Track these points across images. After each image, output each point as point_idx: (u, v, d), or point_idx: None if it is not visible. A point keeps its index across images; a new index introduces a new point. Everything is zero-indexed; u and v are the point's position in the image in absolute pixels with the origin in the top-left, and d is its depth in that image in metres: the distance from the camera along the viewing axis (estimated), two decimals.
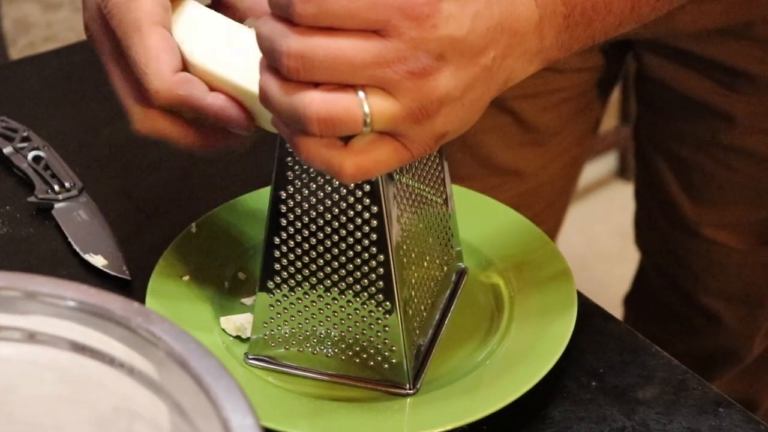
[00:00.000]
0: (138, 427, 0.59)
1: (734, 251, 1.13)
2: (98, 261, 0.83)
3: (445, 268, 0.78)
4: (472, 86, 0.63)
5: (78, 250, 0.84)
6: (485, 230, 0.82)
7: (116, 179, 0.92)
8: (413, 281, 0.73)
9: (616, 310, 1.02)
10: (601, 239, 2.15)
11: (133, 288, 0.82)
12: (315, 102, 0.61)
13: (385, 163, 0.64)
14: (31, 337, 0.58)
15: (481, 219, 0.82)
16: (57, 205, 0.88)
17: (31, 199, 0.88)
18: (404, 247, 0.71)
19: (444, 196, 0.77)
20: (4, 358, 0.59)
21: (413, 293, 0.73)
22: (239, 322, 0.77)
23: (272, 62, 0.62)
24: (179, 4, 0.72)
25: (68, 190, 0.89)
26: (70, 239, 0.85)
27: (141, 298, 0.77)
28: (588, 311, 0.79)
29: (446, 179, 0.77)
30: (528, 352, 0.74)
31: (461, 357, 0.76)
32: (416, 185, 0.73)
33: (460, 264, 0.80)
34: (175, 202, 0.90)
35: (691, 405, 0.73)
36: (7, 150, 0.92)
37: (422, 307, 0.75)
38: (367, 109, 0.61)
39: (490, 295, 0.79)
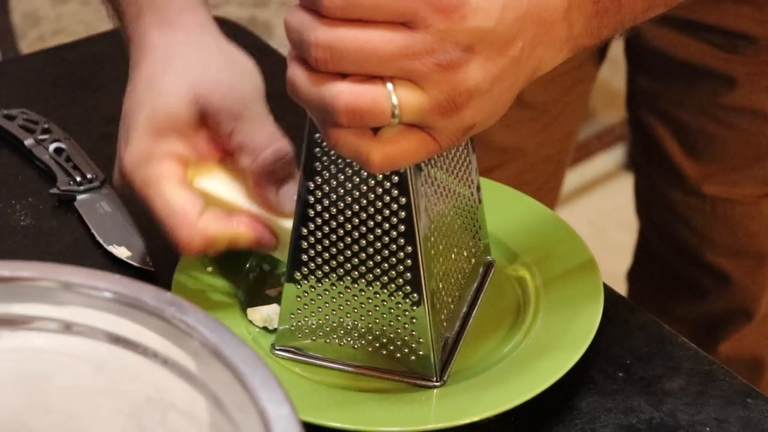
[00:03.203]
0: (172, 417, 0.59)
1: (738, 205, 1.14)
2: (122, 252, 0.83)
3: (473, 261, 0.78)
4: (501, 78, 0.63)
5: (101, 241, 0.84)
6: (510, 222, 0.82)
7: None
8: (440, 273, 0.73)
9: None
10: (610, 232, 2.15)
11: (156, 279, 0.82)
12: (343, 93, 0.61)
13: (413, 154, 0.64)
14: (67, 327, 0.58)
15: (505, 211, 0.82)
16: (79, 197, 0.88)
17: (54, 190, 0.88)
18: (432, 239, 0.71)
19: (472, 188, 0.77)
20: (40, 349, 0.59)
21: (441, 285, 0.73)
22: (266, 313, 0.77)
23: (300, 53, 0.62)
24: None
25: (90, 182, 0.89)
26: (93, 230, 0.85)
27: (165, 287, 0.76)
28: (612, 302, 0.79)
29: (474, 170, 0.77)
30: (554, 343, 0.74)
31: (487, 349, 0.75)
32: (444, 176, 0.73)
33: (488, 257, 0.80)
34: None
35: (719, 396, 0.73)
36: (29, 142, 0.92)
37: (449, 299, 0.74)
38: (395, 101, 0.61)
39: (517, 287, 0.79)
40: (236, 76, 0.76)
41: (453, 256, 0.75)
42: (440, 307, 0.73)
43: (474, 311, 0.77)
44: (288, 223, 0.73)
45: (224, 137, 0.75)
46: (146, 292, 0.58)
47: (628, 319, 0.78)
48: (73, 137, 0.93)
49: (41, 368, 0.59)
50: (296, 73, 0.63)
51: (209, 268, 0.79)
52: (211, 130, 0.75)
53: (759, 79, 1.04)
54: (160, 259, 0.83)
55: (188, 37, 0.78)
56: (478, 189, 0.78)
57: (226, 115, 0.74)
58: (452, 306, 0.75)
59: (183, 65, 0.75)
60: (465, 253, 0.77)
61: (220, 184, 0.75)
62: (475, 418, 0.69)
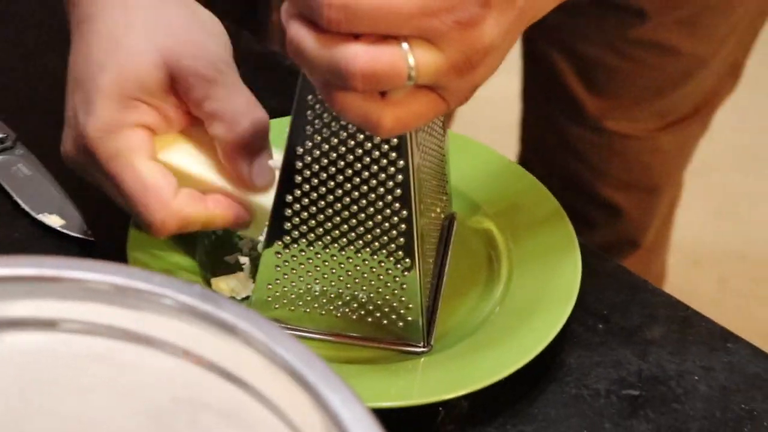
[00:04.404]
0: (204, 417, 0.54)
1: (634, 139, 1.15)
2: (54, 221, 0.76)
3: (442, 216, 0.75)
4: (510, 31, 0.61)
5: (28, 209, 0.77)
6: (469, 172, 0.79)
7: (53, 125, 0.84)
8: (424, 235, 0.70)
9: None
10: None
11: (99, 251, 0.75)
12: (359, 56, 0.57)
13: (423, 116, 0.61)
14: (54, 325, 0.52)
15: (462, 159, 0.79)
16: None
17: None
18: (420, 200, 0.68)
19: (441, 139, 0.73)
20: (45, 350, 0.53)
21: (426, 247, 0.70)
22: (233, 283, 0.72)
23: (309, 14, 0.58)
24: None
25: (1, 142, 0.81)
26: (16, 198, 0.77)
27: (111, 260, 0.71)
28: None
29: (442, 120, 0.73)
30: (539, 300, 0.72)
31: (467, 309, 0.73)
32: (422, 131, 0.70)
33: (452, 210, 0.78)
34: None
35: (701, 342, 0.73)
36: None
37: (430, 260, 0.72)
38: (412, 62, 0.58)
39: (482, 240, 0.77)
40: (205, 36, 0.70)
41: (432, 215, 0.72)
42: (425, 270, 0.70)
43: (446, 269, 0.75)
44: (261, 199, 0.69)
45: (194, 104, 0.69)
46: (170, 285, 0.53)
47: (596, 268, 0.77)
48: None
49: (49, 371, 0.54)
50: (301, 34, 0.58)
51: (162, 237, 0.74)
52: (179, 95, 0.69)
53: (668, 12, 1.04)
54: (99, 228, 0.76)
55: None
56: (446, 137, 0.74)
57: (197, 79, 0.68)
58: (432, 266, 0.72)
59: (146, 22, 0.69)
60: (438, 210, 0.74)
61: (187, 157, 0.70)
62: (474, 388, 0.67)
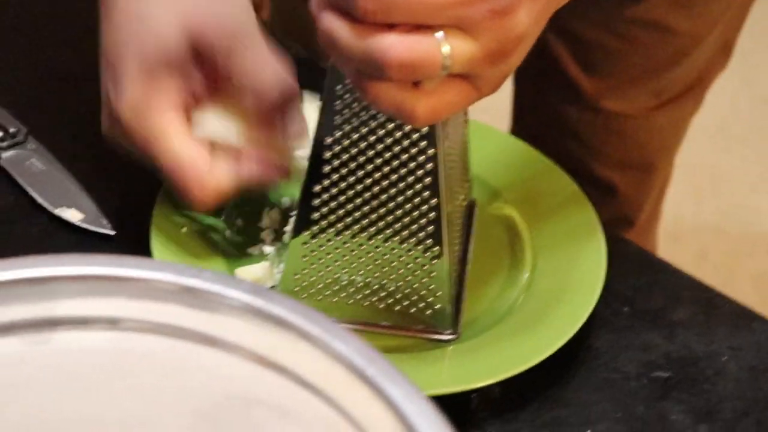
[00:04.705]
0: (257, 413, 0.54)
1: (631, 118, 1.15)
2: (73, 216, 0.75)
3: (465, 203, 0.75)
4: (540, 20, 0.61)
5: (45, 204, 0.76)
6: (486, 158, 0.79)
7: (63, 118, 0.83)
8: (451, 222, 0.70)
9: None
10: None
11: (118, 244, 0.75)
12: (394, 46, 0.57)
13: (455, 105, 0.61)
14: (115, 323, 0.52)
15: (480, 146, 0.79)
16: (4, 155, 0.79)
17: None
18: (448, 187, 0.68)
19: (464, 127, 0.73)
20: (91, 349, 0.52)
21: (452, 235, 0.70)
22: (258, 273, 0.72)
23: (343, 5, 0.57)
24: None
25: (13, 137, 0.80)
26: (32, 193, 0.76)
27: (131, 253, 0.70)
28: None
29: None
30: (565, 286, 0.72)
31: (492, 295, 0.73)
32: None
33: (472, 196, 0.77)
34: None
35: (726, 323, 0.73)
36: None
37: (456, 248, 0.71)
38: (447, 51, 0.57)
39: (503, 227, 0.77)
40: (228, 7, 0.69)
41: (457, 202, 0.72)
42: (453, 256, 0.70)
43: (469, 255, 0.75)
44: (299, 153, 0.70)
45: (221, 75, 0.68)
46: (221, 281, 0.52)
47: (615, 250, 0.77)
48: None
49: (95, 370, 0.53)
50: (335, 26, 0.58)
51: (184, 229, 0.73)
52: (204, 66, 0.69)
53: None
54: (117, 221, 0.76)
55: None
56: (467, 123, 0.74)
57: (222, 50, 0.68)
58: (458, 253, 0.72)
59: None
60: (461, 197, 0.73)
61: (218, 124, 0.69)
62: (506, 375, 0.67)
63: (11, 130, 0.80)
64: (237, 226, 0.75)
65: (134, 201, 0.77)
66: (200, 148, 0.68)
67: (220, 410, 0.54)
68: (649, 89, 1.13)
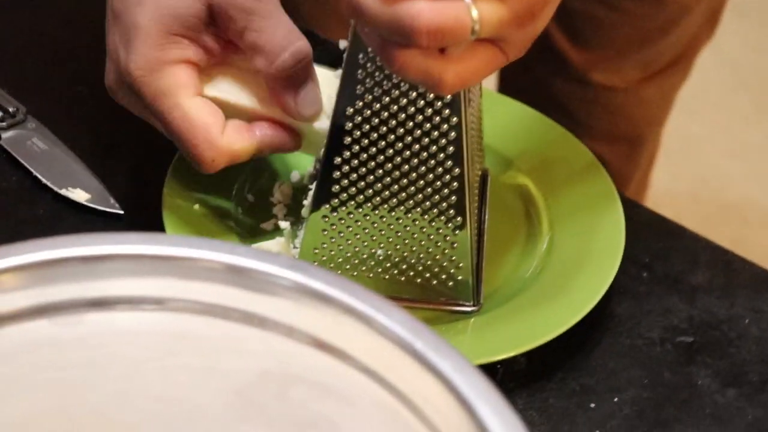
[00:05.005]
0: (295, 390, 0.53)
1: (619, 91, 1.14)
2: (80, 196, 0.73)
3: (480, 172, 0.74)
4: None
5: (51, 185, 0.74)
6: (498, 127, 0.78)
7: (63, 97, 0.81)
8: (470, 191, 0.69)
9: None
10: None
11: (128, 223, 0.73)
12: (424, 12, 0.56)
13: (483, 70, 0.60)
14: (162, 303, 0.51)
15: (490, 115, 0.78)
16: (4, 135, 0.77)
17: None
18: (470, 156, 0.67)
19: (478, 93, 0.72)
20: (138, 330, 0.51)
21: (473, 205, 0.69)
22: (274, 249, 0.70)
23: None
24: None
25: (13, 116, 0.78)
26: (36, 173, 0.74)
27: (143, 231, 0.68)
28: None
29: None
30: (584, 254, 0.71)
31: (510, 266, 0.72)
32: None
33: (485, 166, 0.76)
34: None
35: (746, 285, 0.73)
36: None
37: (475, 218, 0.70)
38: (475, 15, 0.56)
39: (518, 196, 0.76)
40: None
41: (475, 171, 0.70)
42: (474, 227, 0.69)
43: (484, 226, 0.74)
44: (310, 125, 0.68)
45: (234, 36, 0.67)
46: (257, 257, 0.51)
47: (630, 215, 0.76)
48: None
49: (133, 350, 0.52)
50: None
51: (196, 206, 0.72)
52: (218, 27, 0.67)
53: None
54: (125, 200, 0.74)
55: None
56: (480, 89, 0.73)
57: (236, 10, 0.66)
58: (476, 225, 0.71)
59: None
60: (477, 167, 0.72)
61: (232, 88, 0.68)
62: (531, 346, 0.66)
63: (10, 109, 0.78)
64: (248, 201, 0.73)
65: (140, 180, 0.75)
66: (212, 106, 0.67)
67: (263, 388, 0.53)
68: (638, 61, 1.12)
